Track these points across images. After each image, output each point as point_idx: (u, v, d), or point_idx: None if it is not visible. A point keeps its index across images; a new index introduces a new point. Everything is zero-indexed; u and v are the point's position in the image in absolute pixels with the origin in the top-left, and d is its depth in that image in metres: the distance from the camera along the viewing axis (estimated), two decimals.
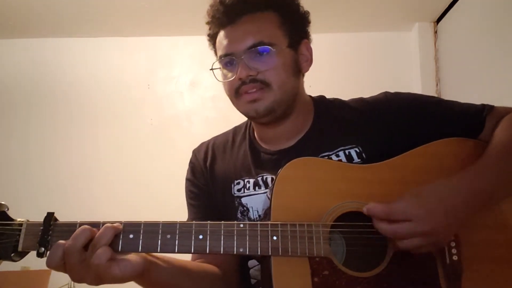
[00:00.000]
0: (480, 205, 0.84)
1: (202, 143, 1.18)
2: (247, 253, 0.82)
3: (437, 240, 0.81)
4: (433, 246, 0.82)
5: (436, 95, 2.64)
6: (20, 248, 0.81)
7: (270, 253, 0.81)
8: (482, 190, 0.84)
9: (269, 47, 0.97)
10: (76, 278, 0.77)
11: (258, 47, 0.97)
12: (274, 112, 0.99)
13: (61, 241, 0.77)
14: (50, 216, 0.82)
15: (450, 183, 0.84)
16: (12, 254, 0.81)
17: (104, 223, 0.81)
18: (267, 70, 0.97)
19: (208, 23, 1.05)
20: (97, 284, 0.79)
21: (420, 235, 0.78)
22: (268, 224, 0.83)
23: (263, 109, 0.98)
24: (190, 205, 1.12)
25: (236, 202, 1.04)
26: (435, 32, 2.76)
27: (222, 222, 0.83)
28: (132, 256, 0.79)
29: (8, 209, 0.85)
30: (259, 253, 0.82)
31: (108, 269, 0.76)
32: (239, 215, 1.03)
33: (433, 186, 0.83)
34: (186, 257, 1.04)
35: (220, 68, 1.04)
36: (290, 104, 1.02)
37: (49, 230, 0.80)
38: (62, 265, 0.77)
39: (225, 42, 1.00)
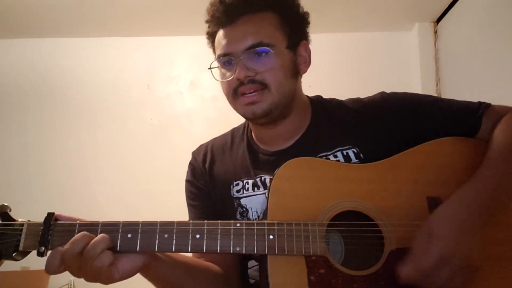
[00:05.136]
0: (491, 214, 0.83)
1: (201, 145, 1.18)
2: (244, 252, 0.82)
3: (469, 267, 0.79)
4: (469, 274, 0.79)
5: (436, 95, 2.63)
6: (21, 248, 0.82)
7: (266, 252, 0.82)
8: (491, 202, 0.83)
9: (268, 48, 0.97)
10: (75, 275, 0.79)
11: (257, 47, 0.96)
12: (271, 114, 1.00)
13: (59, 248, 0.79)
14: (50, 216, 0.83)
15: (458, 206, 0.81)
16: (14, 254, 0.82)
17: (102, 223, 0.82)
18: (266, 71, 0.97)
19: (207, 21, 1.05)
20: (95, 282, 0.80)
21: (458, 275, 0.77)
22: (264, 223, 0.83)
23: (260, 111, 0.98)
24: (190, 206, 1.12)
25: (235, 203, 1.04)
26: (435, 32, 2.76)
27: (219, 221, 0.83)
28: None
29: (10, 210, 0.87)
30: (255, 252, 0.82)
31: (108, 273, 0.78)
32: (238, 216, 1.03)
33: (442, 216, 0.80)
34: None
35: (218, 67, 1.04)
36: (288, 105, 1.02)
37: (49, 230, 0.82)
38: (60, 270, 0.79)
39: (224, 41, 1.00)
